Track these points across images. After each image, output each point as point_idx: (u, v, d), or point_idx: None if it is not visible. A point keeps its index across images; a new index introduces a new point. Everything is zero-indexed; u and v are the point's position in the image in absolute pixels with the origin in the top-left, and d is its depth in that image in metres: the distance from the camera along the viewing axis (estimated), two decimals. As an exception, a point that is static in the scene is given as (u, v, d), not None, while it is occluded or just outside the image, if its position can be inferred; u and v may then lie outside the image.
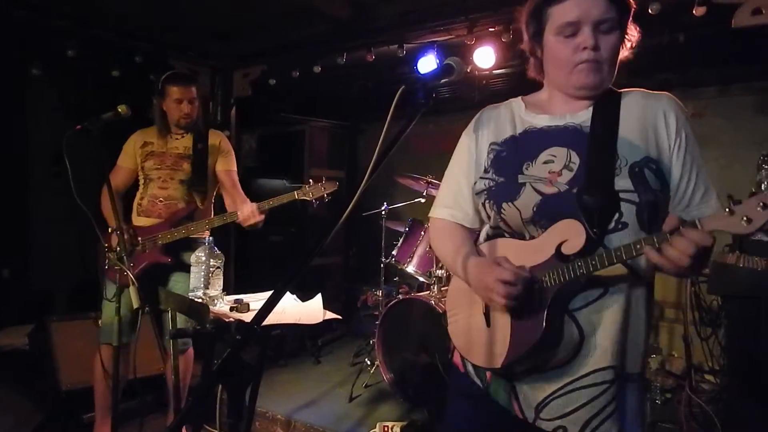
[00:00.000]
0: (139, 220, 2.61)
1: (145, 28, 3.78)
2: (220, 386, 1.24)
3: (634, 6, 1.19)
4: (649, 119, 1.15)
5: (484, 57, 3.48)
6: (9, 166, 4.38)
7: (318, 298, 1.91)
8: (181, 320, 2.17)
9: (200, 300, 1.85)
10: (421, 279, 3.43)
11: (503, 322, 1.15)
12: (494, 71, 3.90)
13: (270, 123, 5.57)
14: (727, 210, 0.93)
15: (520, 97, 1.31)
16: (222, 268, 1.95)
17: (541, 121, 1.23)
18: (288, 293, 1.89)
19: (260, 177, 5.04)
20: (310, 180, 2.47)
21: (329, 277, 5.42)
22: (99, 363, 2.44)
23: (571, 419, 1.11)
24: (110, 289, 2.51)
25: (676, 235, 0.95)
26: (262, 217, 2.47)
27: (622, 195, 1.08)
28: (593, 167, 1.10)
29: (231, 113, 4.42)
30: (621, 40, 1.17)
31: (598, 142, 1.13)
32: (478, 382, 1.25)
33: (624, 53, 1.20)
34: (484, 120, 1.30)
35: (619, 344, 1.11)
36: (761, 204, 0.89)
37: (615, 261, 1.03)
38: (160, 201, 2.61)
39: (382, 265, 3.78)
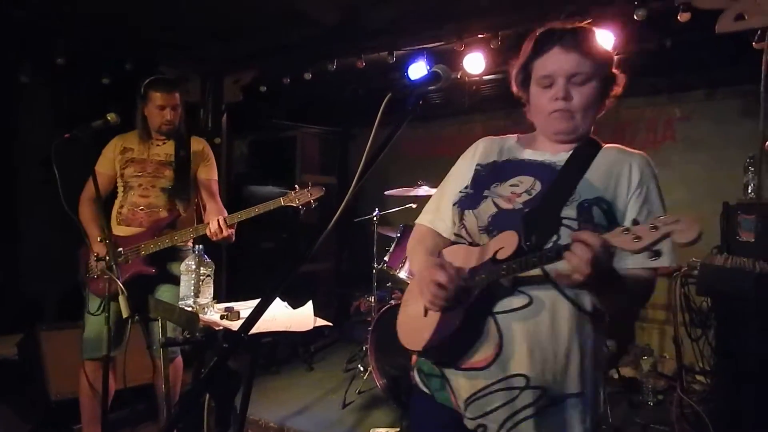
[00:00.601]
0: (119, 230, 2.53)
1: (135, 34, 3.77)
2: (208, 395, 1.24)
3: (615, 57, 1.31)
4: (615, 168, 1.28)
5: (474, 63, 3.51)
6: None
7: (309, 305, 1.90)
8: (170, 329, 2.15)
9: (190, 308, 1.84)
10: (413, 284, 3.43)
11: (434, 314, 1.28)
12: (484, 77, 3.93)
13: (261, 129, 5.57)
14: (623, 229, 1.03)
15: (517, 135, 1.45)
16: (212, 276, 1.94)
17: (524, 154, 1.37)
18: (278, 300, 1.89)
19: (252, 183, 5.03)
20: (296, 186, 2.41)
21: (321, 284, 5.41)
22: (84, 378, 2.40)
23: (490, 418, 1.21)
24: (93, 303, 2.47)
25: (575, 242, 1.04)
26: (231, 231, 2.43)
27: (564, 221, 1.20)
28: (549, 195, 1.24)
29: (222, 119, 4.42)
30: (598, 90, 1.28)
31: (563, 178, 1.27)
32: (419, 378, 1.39)
33: (608, 100, 1.33)
34: (479, 147, 1.44)
35: (538, 356, 1.18)
36: (651, 225, 0.99)
37: (530, 266, 1.14)
38: (141, 209, 2.55)
39: (374, 271, 3.78)
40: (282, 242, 4.99)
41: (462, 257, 1.28)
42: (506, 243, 1.20)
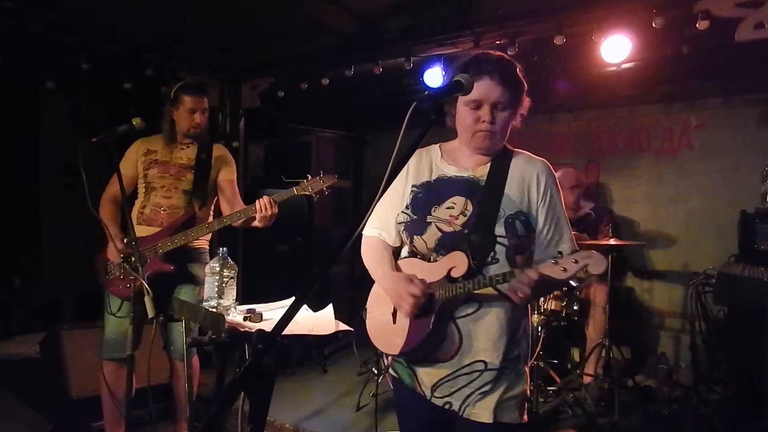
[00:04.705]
0: (139, 230, 2.55)
1: (156, 41, 3.85)
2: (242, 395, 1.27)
3: (526, 86, 1.54)
4: (526, 180, 1.54)
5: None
6: (21, 176, 4.45)
7: (329, 308, 1.93)
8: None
9: (214, 310, 1.88)
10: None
11: (404, 321, 1.52)
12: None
13: (277, 133, 5.62)
14: (553, 261, 1.33)
15: (438, 144, 1.65)
16: (235, 279, 1.98)
17: (450, 171, 1.59)
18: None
19: (267, 187, 5.08)
20: (308, 175, 2.42)
21: (336, 287, 5.44)
22: (104, 379, 2.46)
23: (455, 396, 1.50)
24: (114, 303, 2.53)
25: (518, 274, 1.35)
26: (276, 210, 2.43)
27: (498, 239, 1.47)
28: (481, 216, 1.49)
29: (240, 124, 4.48)
30: (513, 115, 1.53)
31: (488, 196, 1.51)
32: (394, 369, 1.63)
33: (516, 122, 1.55)
34: (410, 165, 1.60)
35: (490, 344, 1.49)
36: (573, 260, 1.30)
37: (482, 285, 1.41)
38: (164, 210, 2.61)
39: (388, 275, 3.79)
40: (297, 245, 5.03)
41: (419, 271, 1.51)
42: (457, 263, 1.45)
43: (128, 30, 3.66)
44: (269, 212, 2.41)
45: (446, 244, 1.49)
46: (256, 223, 2.49)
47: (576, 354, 4.20)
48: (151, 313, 1.83)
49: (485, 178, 1.54)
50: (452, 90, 1.29)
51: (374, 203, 1.12)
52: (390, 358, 1.62)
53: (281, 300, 2.03)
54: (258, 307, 1.94)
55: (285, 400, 3.50)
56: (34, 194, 4.61)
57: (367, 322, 1.65)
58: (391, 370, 1.65)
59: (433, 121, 1.24)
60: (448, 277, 1.46)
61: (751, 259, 2.94)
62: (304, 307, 1.93)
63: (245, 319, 1.80)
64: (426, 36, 3.56)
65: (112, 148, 2.10)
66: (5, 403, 3.24)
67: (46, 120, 4.62)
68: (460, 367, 1.49)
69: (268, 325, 1.77)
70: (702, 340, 3.39)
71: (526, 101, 1.56)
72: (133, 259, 1.95)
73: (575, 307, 3.58)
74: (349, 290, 5.62)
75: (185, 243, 2.52)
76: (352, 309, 5.34)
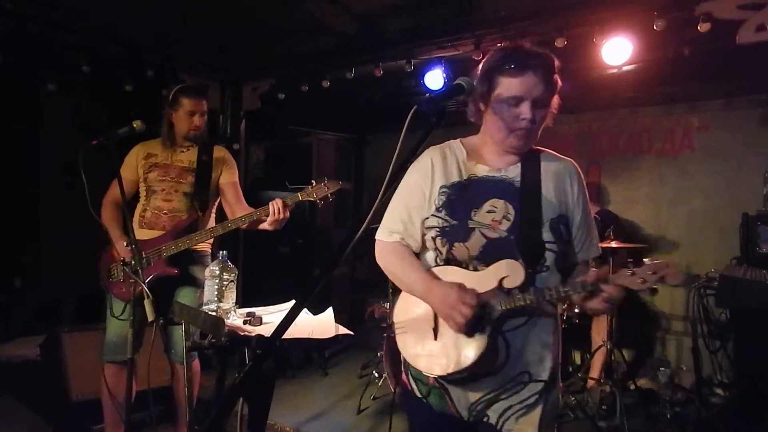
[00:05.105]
0: (141, 233, 2.55)
1: (157, 42, 3.85)
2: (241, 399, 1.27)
3: (560, 85, 1.46)
4: (560, 181, 1.46)
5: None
6: (22, 176, 4.45)
7: (329, 312, 1.93)
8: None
9: (214, 313, 1.87)
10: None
11: (450, 337, 1.36)
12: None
13: (278, 135, 5.63)
14: (630, 272, 1.28)
15: (459, 140, 1.54)
16: (235, 282, 1.97)
17: (481, 170, 1.47)
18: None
19: (268, 189, 5.08)
20: (313, 181, 2.42)
21: (336, 290, 5.44)
22: (105, 382, 2.45)
23: (493, 408, 1.39)
24: (117, 306, 2.52)
25: (603, 291, 1.29)
26: (288, 215, 2.40)
27: (547, 245, 1.38)
28: (526, 220, 1.39)
29: (240, 126, 4.48)
30: (549, 113, 1.44)
31: (528, 199, 1.42)
32: (418, 388, 1.47)
33: (548, 121, 1.47)
34: (434, 162, 1.48)
35: (536, 357, 1.40)
36: (652, 270, 1.26)
37: (547, 299, 1.33)
38: (165, 213, 2.60)
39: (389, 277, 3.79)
40: (298, 247, 5.02)
41: (462, 280, 1.36)
42: (510, 272, 1.34)
43: (128, 31, 3.66)
44: (282, 216, 2.38)
45: (492, 251, 1.36)
46: (264, 226, 2.46)
47: (577, 357, 4.19)
48: (150, 317, 1.82)
49: (519, 179, 1.44)
50: (453, 93, 1.29)
51: (374, 206, 1.11)
52: (432, 379, 1.42)
53: (282, 302, 2.03)
54: (258, 311, 1.94)
55: (285, 403, 3.49)
56: (34, 194, 4.60)
57: (398, 338, 1.47)
58: (411, 382, 1.47)
59: (433, 124, 1.24)
60: (500, 288, 1.34)
61: (753, 261, 2.94)
62: (304, 310, 1.93)
63: (245, 322, 1.80)
64: (426, 37, 3.56)
65: (113, 151, 2.09)
66: (5, 405, 3.24)
67: (46, 120, 4.62)
68: (505, 382, 1.38)
69: (267, 329, 1.76)
70: (704, 343, 3.37)
71: (557, 100, 1.47)
72: (133, 262, 1.94)
73: (576, 310, 3.57)
74: (350, 293, 5.62)
75: (189, 246, 2.52)
76: (353, 311, 5.34)
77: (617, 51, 3.12)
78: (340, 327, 1.84)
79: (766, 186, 3.20)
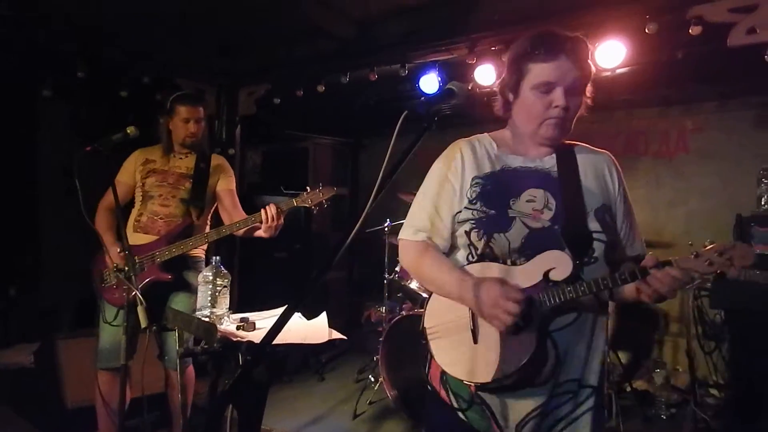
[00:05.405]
0: (135, 237, 2.56)
1: (153, 48, 3.85)
2: (231, 406, 1.26)
3: (594, 72, 1.38)
4: (599, 173, 1.38)
5: (485, 75, 3.53)
6: (20, 180, 4.44)
7: (323, 317, 1.92)
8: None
9: (207, 319, 1.87)
10: (425, 295, 3.44)
11: (492, 339, 1.23)
12: (495, 88, 3.95)
13: (274, 140, 5.63)
14: (693, 254, 1.16)
15: (487, 134, 1.46)
16: (228, 287, 1.97)
17: (515, 161, 1.38)
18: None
19: (264, 193, 5.09)
20: (308, 187, 2.42)
21: (333, 293, 5.43)
22: (99, 389, 2.44)
23: (543, 427, 1.26)
24: (109, 312, 2.51)
25: (658, 271, 1.16)
26: (282, 221, 2.41)
27: (595, 235, 1.28)
28: (569, 209, 1.29)
29: (236, 131, 4.48)
30: (583, 101, 1.36)
31: (567, 188, 1.32)
32: (456, 401, 1.33)
33: (583, 111, 1.38)
34: (464, 155, 1.39)
35: (586, 362, 1.29)
36: (718, 252, 1.14)
37: (600, 288, 1.20)
38: (161, 218, 2.60)
39: (385, 281, 3.80)
40: (295, 252, 5.02)
41: (502, 275, 1.24)
42: (557, 263, 1.22)
43: (125, 36, 3.66)
44: (276, 222, 2.37)
45: (535, 242, 1.25)
46: (260, 233, 2.47)
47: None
48: (143, 323, 1.81)
49: (556, 169, 1.34)
50: (444, 98, 1.29)
51: (365, 211, 1.11)
52: (473, 387, 1.28)
53: (278, 308, 2.03)
54: (252, 316, 1.94)
55: (282, 408, 3.48)
56: (32, 198, 4.59)
57: (433, 345, 1.33)
58: (443, 391, 1.34)
59: (425, 128, 1.24)
60: (546, 280, 1.22)
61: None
62: (298, 315, 1.93)
63: (238, 328, 1.79)
64: (422, 42, 3.56)
65: (107, 157, 2.09)
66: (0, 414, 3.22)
67: (44, 124, 4.61)
68: (553, 392, 1.24)
69: (261, 334, 1.75)
70: (699, 344, 3.38)
71: (591, 88, 1.38)
72: (126, 268, 1.94)
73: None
74: (347, 296, 5.62)
75: (183, 252, 2.51)
76: (351, 315, 5.34)
77: (611, 54, 3.13)
78: (333, 331, 1.84)
79: (760, 188, 3.20)
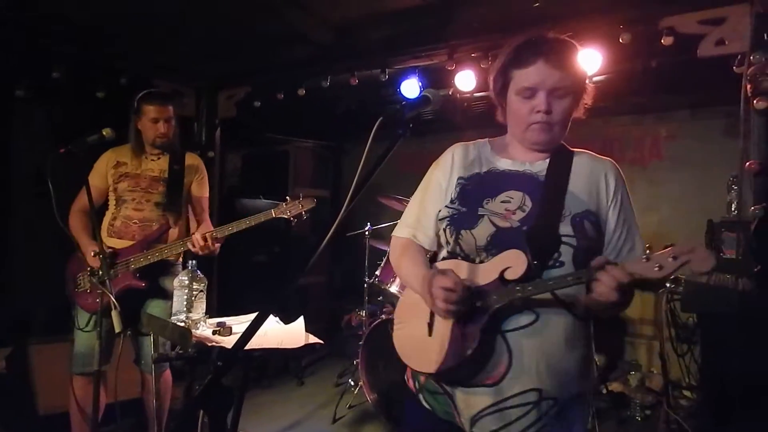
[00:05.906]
0: (110, 242, 2.51)
1: (131, 49, 3.81)
2: (202, 412, 1.26)
3: (588, 75, 1.38)
4: (593, 178, 1.35)
5: (465, 81, 3.58)
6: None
7: (300, 321, 1.92)
8: (159, 343, 2.13)
9: (183, 324, 1.85)
10: (404, 298, 3.45)
11: (443, 333, 1.26)
12: (475, 94, 4.00)
13: (254, 143, 5.60)
14: (644, 258, 1.11)
15: (487, 140, 1.48)
16: (205, 292, 1.96)
17: (503, 164, 1.40)
18: (270, 315, 1.91)
19: (244, 197, 5.06)
20: (287, 198, 2.40)
21: (313, 297, 5.42)
22: (73, 395, 2.39)
23: (503, 430, 1.22)
24: (82, 318, 2.46)
25: (602, 272, 1.12)
26: (217, 246, 2.42)
27: (563, 238, 1.25)
28: (543, 212, 1.28)
29: (216, 133, 4.45)
30: (574, 103, 1.34)
31: (550, 191, 1.31)
32: (424, 397, 1.38)
33: (578, 113, 1.38)
34: (455, 157, 1.44)
35: (547, 369, 1.23)
36: (672, 256, 1.08)
37: (548, 289, 1.20)
38: (135, 223, 2.55)
39: (365, 285, 3.80)
40: (274, 256, 4.99)
41: (464, 273, 1.27)
42: (513, 263, 1.22)
43: (103, 37, 3.61)
44: (208, 250, 2.41)
45: (500, 241, 1.26)
46: (197, 251, 2.45)
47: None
48: (118, 328, 1.79)
49: (544, 173, 1.34)
50: (419, 105, 1.30)
51: (340, 216, 1.12)
52: (423, 378, 1.35)
53: (256, 312, 2.01)
54: (228, 321, 1.93)
55: (261, 413, 3.46)
56: (5, 201, 4.48)
57: (394, 335, 1.39)
58: (419, 395, 1.38)
59: (400, 134, 1.25)
60: (501, 280, 1.22)
61: (718, 267, 3.01)
62: (276, 320, 1.92)
63: (215, 332, 1.78)
64: (402, 48, 3.59)
65: (82, 159, 2.07)
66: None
67: (18, 125, 4.52)
68: (507, 396, 1.22)
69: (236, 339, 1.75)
70: (672, 347, 3.45)
71: (590, 88, 1.37)
72: (100, 272, 1.92)
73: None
74: (328, 300, 5.60)
75: (159, 259, 2.46)
76: (330, 320, 5.32)
77: (587, 62, 3.19)
78: (311, 336, 1.84)
79: (730, 195, 3.29)
